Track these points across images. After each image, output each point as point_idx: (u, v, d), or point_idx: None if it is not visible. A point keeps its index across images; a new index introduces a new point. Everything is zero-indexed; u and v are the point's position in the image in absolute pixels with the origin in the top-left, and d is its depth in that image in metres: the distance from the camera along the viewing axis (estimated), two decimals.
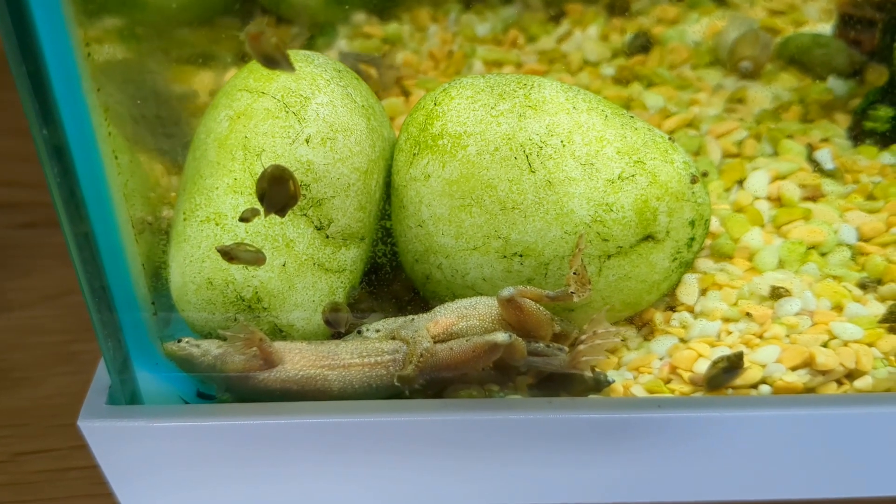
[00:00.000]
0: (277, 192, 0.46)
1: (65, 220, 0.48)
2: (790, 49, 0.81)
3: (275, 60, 0.42)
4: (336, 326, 0.55)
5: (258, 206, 0.48)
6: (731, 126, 0.73)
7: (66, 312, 0.78)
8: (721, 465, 0.57)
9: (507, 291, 0.54)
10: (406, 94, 0.78)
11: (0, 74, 1.06)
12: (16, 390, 0.71)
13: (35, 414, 0.69)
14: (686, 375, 0.59)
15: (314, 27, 0.86)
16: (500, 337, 0.54)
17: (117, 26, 0.57)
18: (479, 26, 0.86)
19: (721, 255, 0.64)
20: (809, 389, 0.58)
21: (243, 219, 0.48)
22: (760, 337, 0.60)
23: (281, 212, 0.47)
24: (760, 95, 0.78)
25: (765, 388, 0.58)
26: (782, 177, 0.69)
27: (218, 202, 0.54)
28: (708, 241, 0.65)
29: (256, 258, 0.49)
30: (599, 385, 0.59)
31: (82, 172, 0.46)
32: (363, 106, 0.58)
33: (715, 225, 0.66)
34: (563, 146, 0.56)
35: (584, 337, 0.56)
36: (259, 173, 0.47)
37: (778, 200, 0.68)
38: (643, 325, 0.63)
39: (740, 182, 0.69)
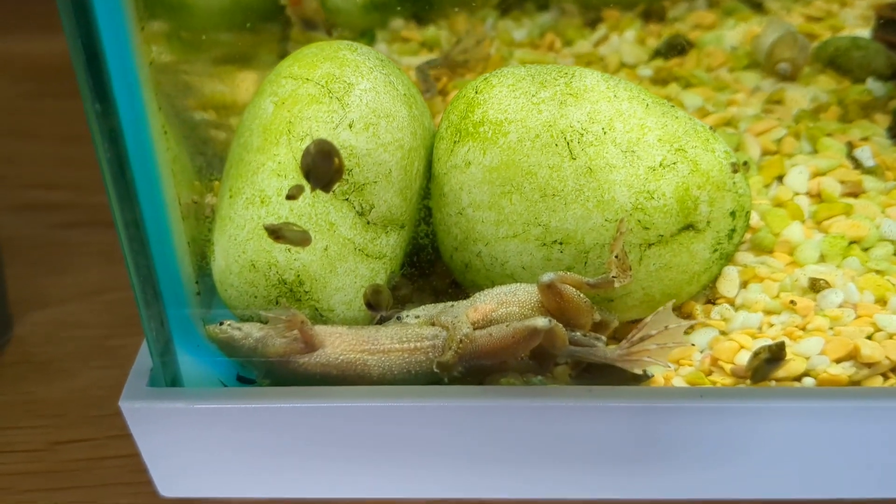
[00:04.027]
0: (323, 167, 0.46)
1: (114, 198, 0.48)
2: (828, 52, 0.81)
3: (314, 24, 0.43)
4: (377, 309, 0.55)
5: (304, 184, 0.48)
6: (770, 124, 0.73)
7: (102, 308, 0.79)
8: (764, 460, 0.56)
9: (547, 277, 0.54)
10: (444, 94, 0.79)
11: (46, 84, 1.08)
12: (53, 382, 0.71)
13: (72, 404, 0.69)
14: (727, 367, 0.58)
15: (353, 33, 0.87)
16: (541, 322, 0.53)
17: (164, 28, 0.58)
18: (516, 31, 0.87)
19: (761, 249, 0.64)
20: (854, 383, 0.57)
21: (290, 196, 0.48)
22: (803, 329, 0.59)
23: (326, 187, 0.47)
24: (798, 96, 0.77)
25: (808, 381, 0.57)
26: (822, 173, 0.68)
27: (262, 185, 0.55)
28: (748, 236, 0.65)
29: (303, 238, 0.50)
30: (639, 378, 0.59)
31: (132, 150, 0.47)
32: (405, 94, 0.58)
33: (754, 220, 0.65)
34: (604, 133, 0.56)
35: (653, 332, 0.55)
36: (304, 150, 0.47)
37: (818, 196, 0.67)
38: (683, 318, 0.62)
39: (780, 178, 0.69)
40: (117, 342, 0.75)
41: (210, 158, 0.64)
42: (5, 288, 0.76)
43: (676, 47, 0.82)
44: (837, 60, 0.81)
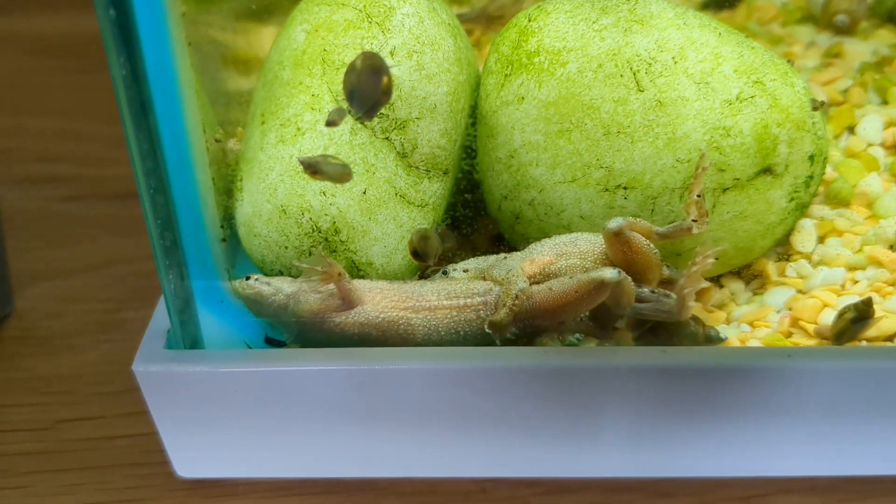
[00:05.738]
0: (370, 85, 0.40)
1: (129, 125, 0.42)
2: (888, 6, 0.76)
3: None
4: (425, 258, 0.49)
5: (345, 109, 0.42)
6: (835, 74, 0.67)
7: (110, 281, 0.73)
8: (862, 430, 0.50)
9: (615, 223, 0.48)
10: (478, 48, 0.73)
11: (50, 60, 1.03)
12: (56, 357, 0.65)
13: (77, 381, 0.63)
14: (810, 328, 0.52)
15: None
16: (609, 273, 0.47)
17: None
18: None
19: (837, 201, 0.58)
20: None
21: (329, 122, 0.42)
22: (893, 284, 0.53)
23: (371, 112, 0.41)
24: (858, 50, 0.72)
25: None
26: (895, 124, 0.63)
27: (295, 120, 0.49)
28: (820, 189, 0.59)
29: (343, 173, 0.44)
30: (711, 341, 0.53)
31: (152, 69, 0.41)
32: (449, 24, 0.52)
33: (827, 172, 0.59)
34: (675, 63, 0.50)
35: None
36: (348, 66, 0.41)
37: (892, 148, 0.62)
38: (753, 278, 0.57)
39: (850, 129, 0.63)
40: (127, 315, 0.69)
41: (235, 112, 0.58)
42: (6, 260, 0.70)
43: (727, 0, 0.77)
44: None
